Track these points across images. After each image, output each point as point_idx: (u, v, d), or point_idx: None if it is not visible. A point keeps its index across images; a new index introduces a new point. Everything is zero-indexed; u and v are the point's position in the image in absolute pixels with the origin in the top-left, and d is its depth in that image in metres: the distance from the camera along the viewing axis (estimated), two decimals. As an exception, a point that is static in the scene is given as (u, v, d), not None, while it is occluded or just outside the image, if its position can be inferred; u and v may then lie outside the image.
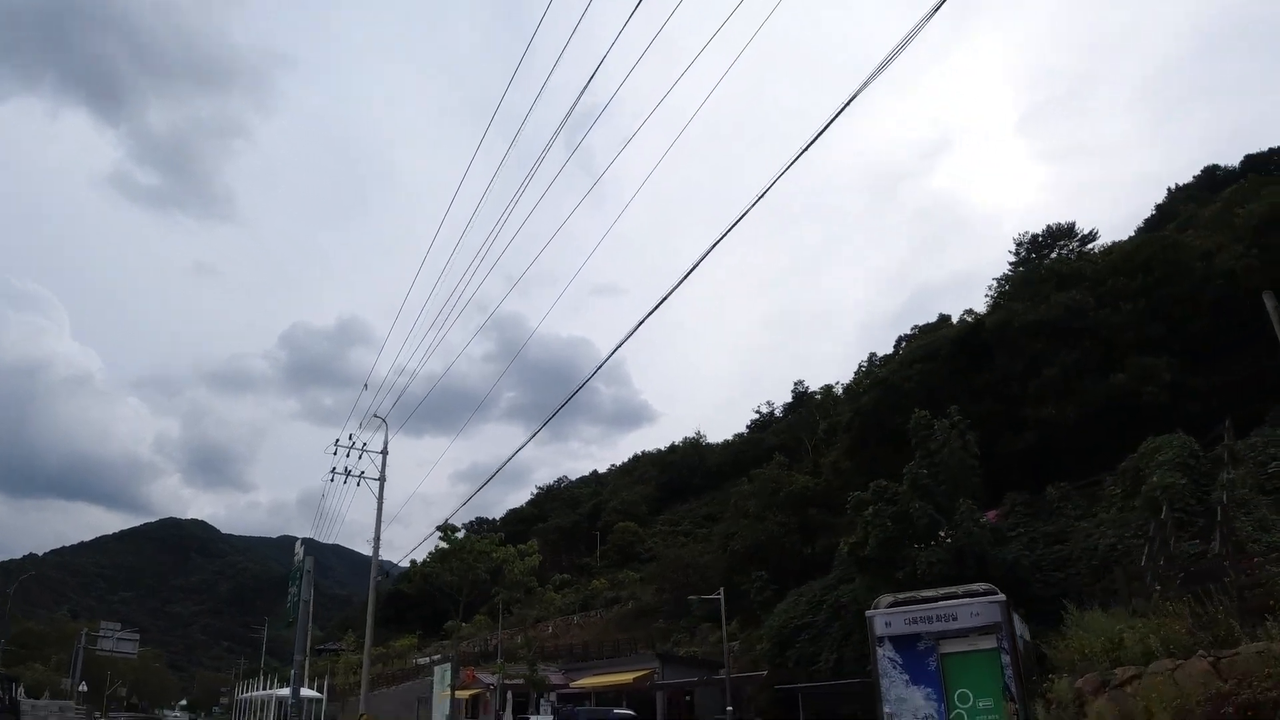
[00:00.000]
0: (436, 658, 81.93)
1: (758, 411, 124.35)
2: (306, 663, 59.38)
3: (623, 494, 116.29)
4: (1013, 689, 18.30)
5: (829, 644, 37.08)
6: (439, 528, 38.57)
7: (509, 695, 44.82)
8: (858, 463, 46.02)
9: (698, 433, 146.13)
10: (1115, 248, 49.41)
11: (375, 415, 40.80)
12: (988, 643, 18.85)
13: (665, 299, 12.67)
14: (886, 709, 19.02)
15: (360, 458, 38.64)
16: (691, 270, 11.63)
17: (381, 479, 38.15)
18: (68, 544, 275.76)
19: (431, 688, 64.50)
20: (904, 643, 19.46)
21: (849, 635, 36.20)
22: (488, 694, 51.88)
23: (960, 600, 19.14)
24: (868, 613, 20.10)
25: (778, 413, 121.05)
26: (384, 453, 38.61)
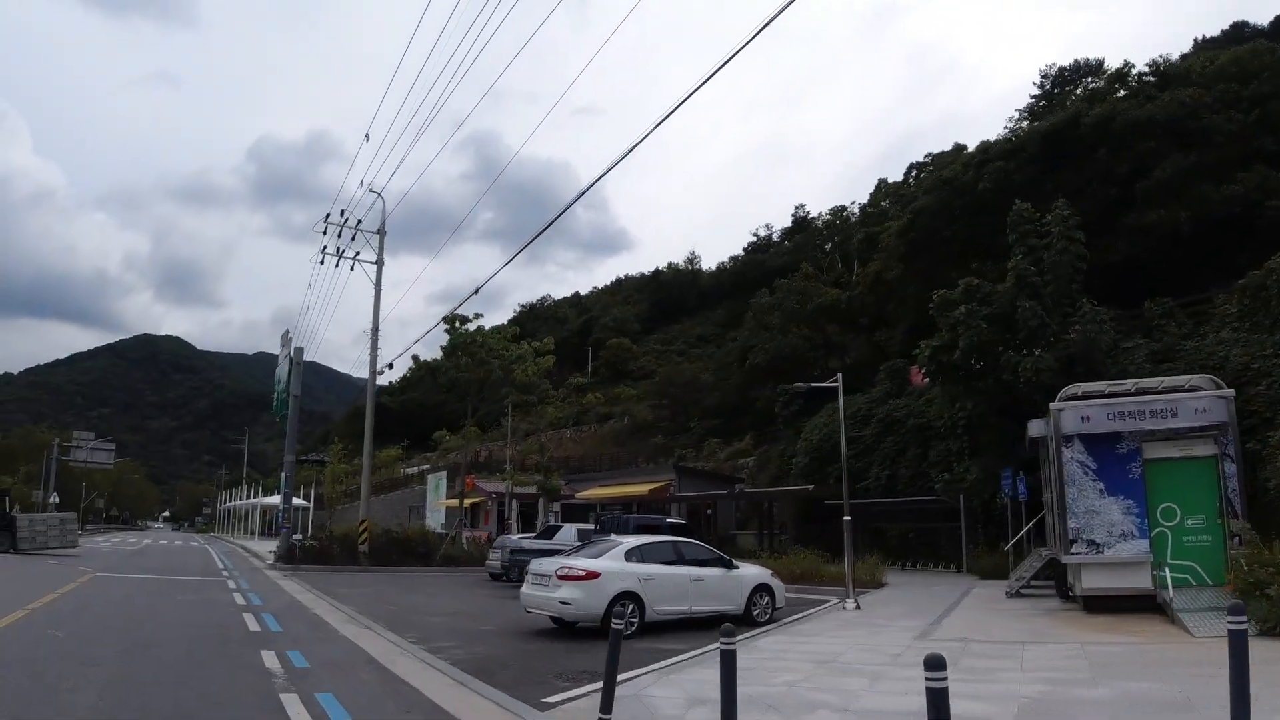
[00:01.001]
0: (425, 468, 79.53)
1: (755, 234, 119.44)
2: (293, 467, 55.84)
3: (613, 311, 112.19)
4: (1236, 504, 14.23)
5: (880, 460, 33.61)
6: (445, 319, 33.85)
7: (514, 505, 41.52)
8: (910, 272, 41.45)
9: (692, 253, 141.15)
10: (1213, 57, 43.48)
11: (370, 189, 35.35)
12: (1204, 448, 14.75)
13: (656, 126, 12.08)
14: (1072, 523, 15.04)
15: (354, 238, 33.47)
16: (684, 100, 11.16)
17: (380, 261, 33.14)
18: (42, 362, 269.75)
19: (424, 497, 62.05)
20: (1100, 444, 15.34)
21: (903, 451, 32.66)
22: (489, 503, 48.84)
23: (1184, 394, 14.81)
24: (1054, 405, 15.86)
25: (775, 236, 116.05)
26: (381, 232, 33.47)
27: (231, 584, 21.94)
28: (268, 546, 40.30)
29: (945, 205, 39.95)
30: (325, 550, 30.44)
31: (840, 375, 19.29)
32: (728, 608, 14.94)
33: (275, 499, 62.65)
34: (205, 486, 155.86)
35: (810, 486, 32.20)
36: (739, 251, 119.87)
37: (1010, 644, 11.68)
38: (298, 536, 36.77)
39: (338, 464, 78.78)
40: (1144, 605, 14.44)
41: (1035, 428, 18.59)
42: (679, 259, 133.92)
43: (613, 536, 15.82)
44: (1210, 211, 32.12)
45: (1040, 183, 36.20)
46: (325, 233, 33.39)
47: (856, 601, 16.66)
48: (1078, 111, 39.25)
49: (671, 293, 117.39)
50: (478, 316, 33.91)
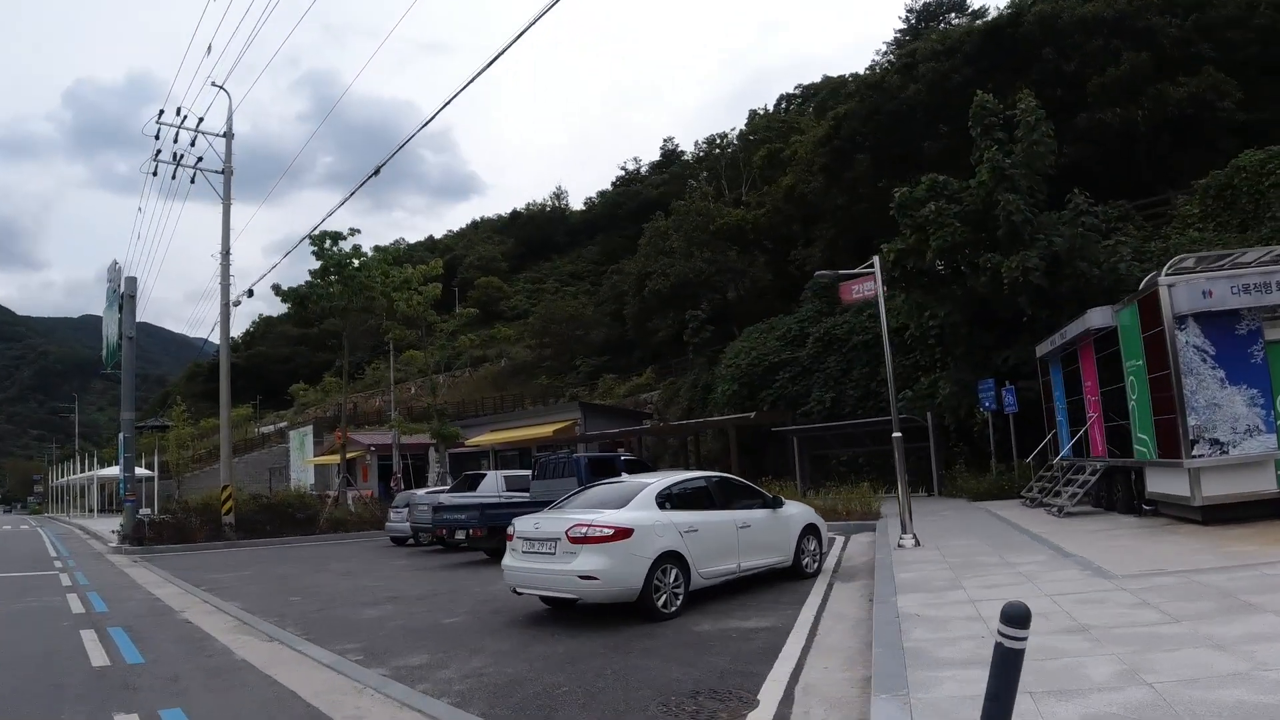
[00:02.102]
0: (283, 425, 72.26)
1: (623, 169, 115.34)
2: (133, 427, 48.73)
3: (478, 249, 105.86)
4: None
5: (822, 381, 30.35)
6: (310, 237, 28.21)
7: (405, 458, 36.38)
8: (834, 184, 38.16)
9: (558, 188, 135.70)
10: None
11: (213, 84, 29.04)
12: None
13: (501, 53, 11.65)
14: (1192, 421, 11.82)
15: (193, 142, 27.28)
16: (526, 29, 10.61)
17: (228, 169, 27.13)
18: None
19: (286, 457, 55.58)
20: (1217, 325, 12.14)
21: (848, 370, 29.49)
22: (367, 457, 43.33)
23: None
24: (1162, 278, 12.41)
25: (644, 171, 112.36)
26: (228, 135, 27.34)
27: (66, 579, 16.43)
28: (110, 525, 33.73)
29: (872, 111, 36.68)
30: (182, 525, 24.79)
31: (876, 259, 15.28)
32: (777, 559, 11.16)
33: (114, 470, 54.91)
34: (37, 463, 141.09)
35: (751, 415, 28.58)
36: (607, 186, 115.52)
37: (1211, 572, 8.13)
38: (146, 511, 30.65)
39: (182, 427, 70.70)
40: (1270, 512, 11.73)
41: (1099, 317, 15.32)
42: (539, 199, 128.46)
43: (603, 484, 11.45)
44: (1165, 112, 30.11)
45: (978, 83, 33.19)
46: (158, 136, 26.99)
47: (915, 536, 12.98)
48: (1020, 7, 36.52)
49: (539, 230, 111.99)
50: (353, 233, 28.39)
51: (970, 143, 25.18)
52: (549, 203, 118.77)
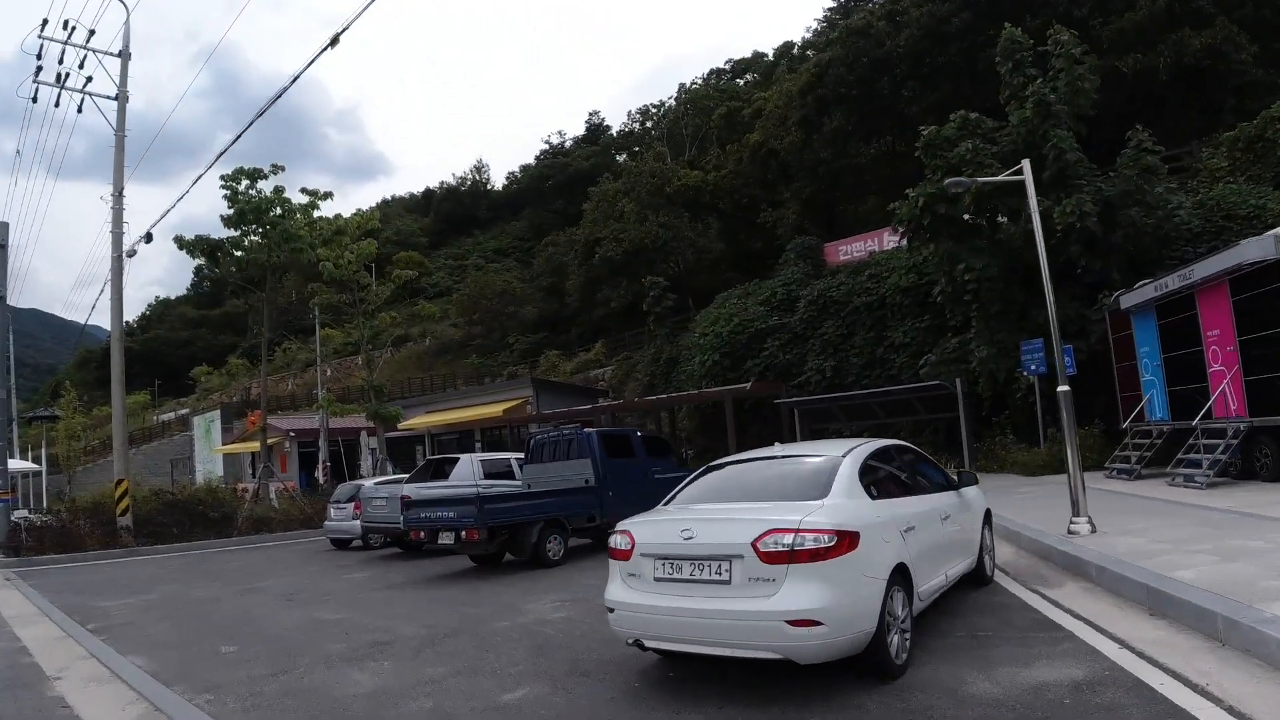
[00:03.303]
0: (184, 412, 65.88)
1: (547, 142, 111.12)
2: (14, 430, 42.76)
3: (395, 223, 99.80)
4: None
5: (818, 349, 26.95)
6: (224, 177, 23.42)
7: (327, 445, 31.70)
8: (815, 138, 34.72)
9: (479, 162, 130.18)
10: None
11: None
12: None
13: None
14: None
15: (81, 62, 22.30)
16: None
17: (122, 94, 22.20)
18: None
19: (190, 446, 49.89)
20: None
21: (849, 336, 26.13)
22: (285, 444, 38.33)
23: None
24: None
25: (568, 145, 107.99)
26: (124, 55, 22.40)
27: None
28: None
29: (857, 57, 33.24)
30: (69, 530, 19.97)
31: (1026, 162, 11.62)
32: (967, 563, 7.62)
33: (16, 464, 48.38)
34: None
35: (748, 385, 24.94)
36: (530, 161, 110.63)
37: None
38: (23, 513, 25.44)
39: (72, 416, 63.73)
40: None
41: (1256, 248, 12.15)
42: (458, 172, 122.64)
43: (739, 460, 7.47)
44: (1182, 62, 27.62)
45: (978, 29, 30.30)
46: (40, 55, 21.86)
47: (1091, 521, 9.48)
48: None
49: (459, 205, 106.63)
50: (276, 170, 23.61)
51: (976, 87, 22.32)
52: (469, 176, 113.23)
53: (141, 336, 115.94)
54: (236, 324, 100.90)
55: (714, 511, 5.80)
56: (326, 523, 18.45)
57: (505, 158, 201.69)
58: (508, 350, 59.93)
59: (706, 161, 46.57)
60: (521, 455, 17.50)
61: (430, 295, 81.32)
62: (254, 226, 23.26)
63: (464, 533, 11.51)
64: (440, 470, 16.89)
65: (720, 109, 49.04)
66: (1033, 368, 20.72)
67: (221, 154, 22.30)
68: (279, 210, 23.47)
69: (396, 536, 15.90)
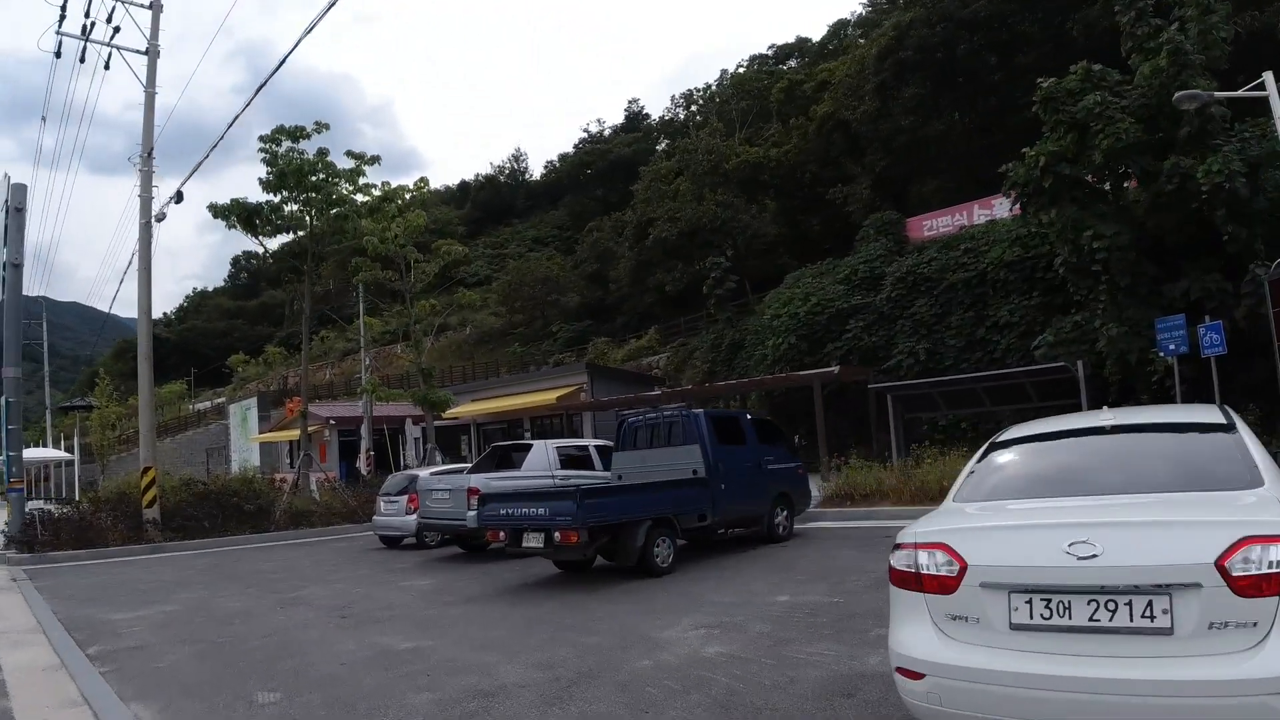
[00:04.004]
0: (221, 401, 64.44)
1: (585, 130, 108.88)
2: (48, 418, 41.61)
3: (433, 211, 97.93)
4: None
5: (907, 330, 24.41)
6: (261, 138, 21.30)
7: (370, 434, 29.60)
8: (892, 107, 32.09)
9: (516, 150, 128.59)
10: None
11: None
12: None
13: None
14: None
15: (110, 15, 20.38)
16: None
17: (152, 50, 20.20)
18: None
19: (226, 436, 48.20)
20: None
21: (944, 316, 23.54)
22: (325, 433, 36.34)
23: None
24: None
25: (607, 133, 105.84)
26: (154, 6, 20.40)
27: None
28: (-4, 519, 26.36)
29: (940, 18, 30.56)
30: (90, 523, 17.97)
31: (1269, 74, 9.09)
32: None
33: (44, 452, 47.18)
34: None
35: (835, 369, 22.42)
36: (568, 149, 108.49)
37: None
38: (38, 504, 23.55)
39: (108, 406, 62.53)
40: None
41: None
42: (496, 161, 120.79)
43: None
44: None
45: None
46: (64, 10, 19.89)
47: None
48: None
49: (497, 194, 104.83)
50: (320, 129, 21.44)
51: (1059, 54, 19.88)
52: (507, 165, 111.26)
53: (178, 328, 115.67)
54: (273, 315, 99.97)
55: (1104, 510, 3.41)
56: (376, 517, 16.25)
57: (543, 147, 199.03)
58: (551, 339, 57.88)
59: (766, 138, 43.94)
60: (598, 442, 15.21)
61: (469, 284, 79.44)
62: (295, 192, 21.10)
63: (558, 534, 9.18)
64: (507, 459, 14.62)
65: (780, 83, 46.28)
66: (1171, 347, 18.11)
67: (236, 117, 20.18)
68: (322, 174, 21.28)
69: (458, 535, 13.66)
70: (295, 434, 36.17)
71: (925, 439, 23.74)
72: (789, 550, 11.77)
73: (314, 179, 21.05)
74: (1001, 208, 27.65)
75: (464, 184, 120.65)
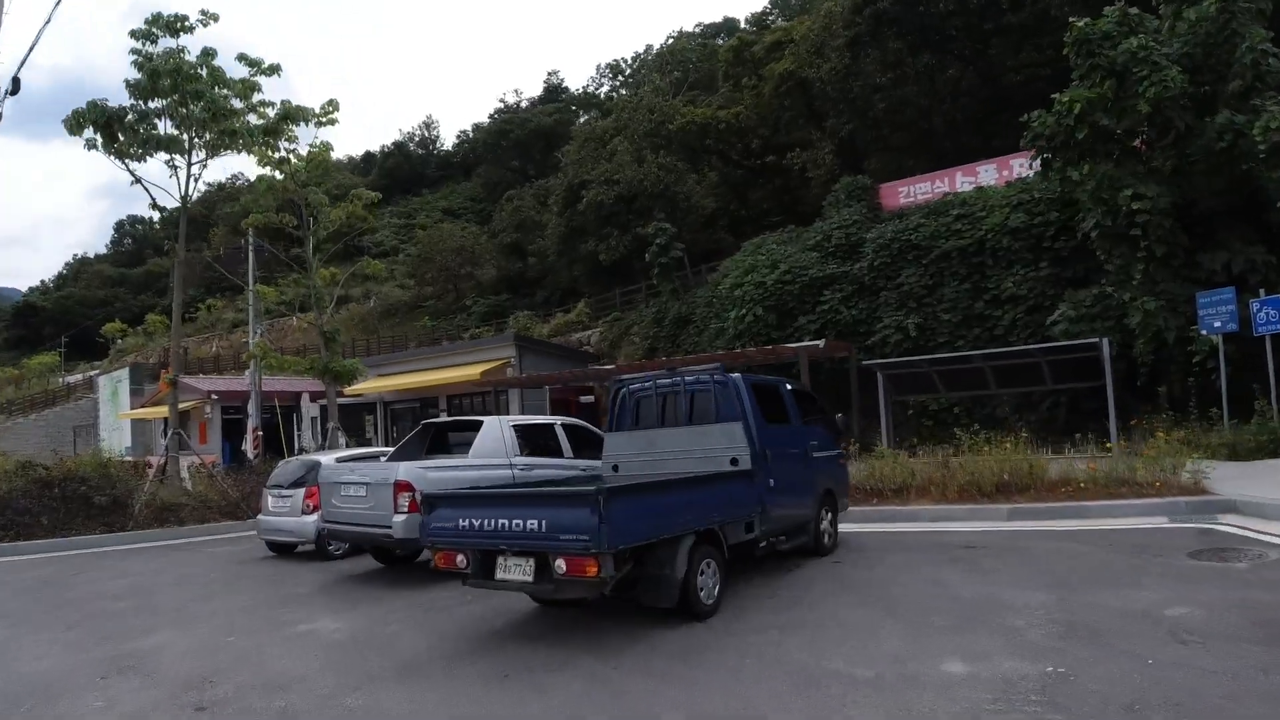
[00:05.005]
0: (94, 373, 57.93)
1: (502, 101, 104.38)
2: None
3: (335, 177, 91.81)
4: None
5: (892, 304, 21.52)
6: (133, 33, 16.87)
7: (259, 411, 25.16)
8: (863, 64, 29.14)
9: (428, 118, 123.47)
10: None
11: None
12: None
13: None
14: None
15: None
16: None
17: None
18: None
19: (96, 412, 42.60)
20: None
21: (934, 288, 20.70)
22: (205, 410, 31.62)
23: None
24: None
25: (524, 105, 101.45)
26: None
27: None
28: None
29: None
30: None
31: None
32: None
33: None
34: None
35: (820, 343, 19.21)
36: (483, 119, 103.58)
37: None
38: None
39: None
40: None
41: None
42: (406, 128, 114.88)
43: None
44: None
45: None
46: None
47: None
48: None
49: (407, 160, 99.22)
50: (208, 20, 17.08)
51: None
52: (418, 133, 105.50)
53: (55, 294, 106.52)
54: (158, 284, 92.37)
55: None
56: (262, 517, 12.31)
57: (456, 118, 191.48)
58: (465, 313, 53.69)
59: (710, 102, 40.62)
60: (566, 420, 11.58)
61: (374, 255, 74.27)
62: (172, 99, 16.72)
63: (561, 561, 5.58)
64: (443, 441, 10.93)
65: (730, 42, 43.00)
66: (1217, 324, 15.67)
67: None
68: (206, 80, 16.94)
69: (378, 546, 9.90)
70: (155, 413, 31.33)
71: (911, 425, 20.96)
72: (852, 569, 8.50)
73: (195, 87, 16.68)
74: (987, 175, 25.09)
75: (369, 154, 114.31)
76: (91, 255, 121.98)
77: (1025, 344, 18.97)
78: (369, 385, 30.72)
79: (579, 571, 5.64)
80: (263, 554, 12.28)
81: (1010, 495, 12.22)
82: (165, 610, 8.24)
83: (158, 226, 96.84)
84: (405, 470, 8.87)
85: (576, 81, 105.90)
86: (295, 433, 26.24)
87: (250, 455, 23.67)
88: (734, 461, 7.91)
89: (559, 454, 10.60)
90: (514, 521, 5.94)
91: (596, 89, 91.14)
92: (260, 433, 24.20)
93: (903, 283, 21.90)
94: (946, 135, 30.71)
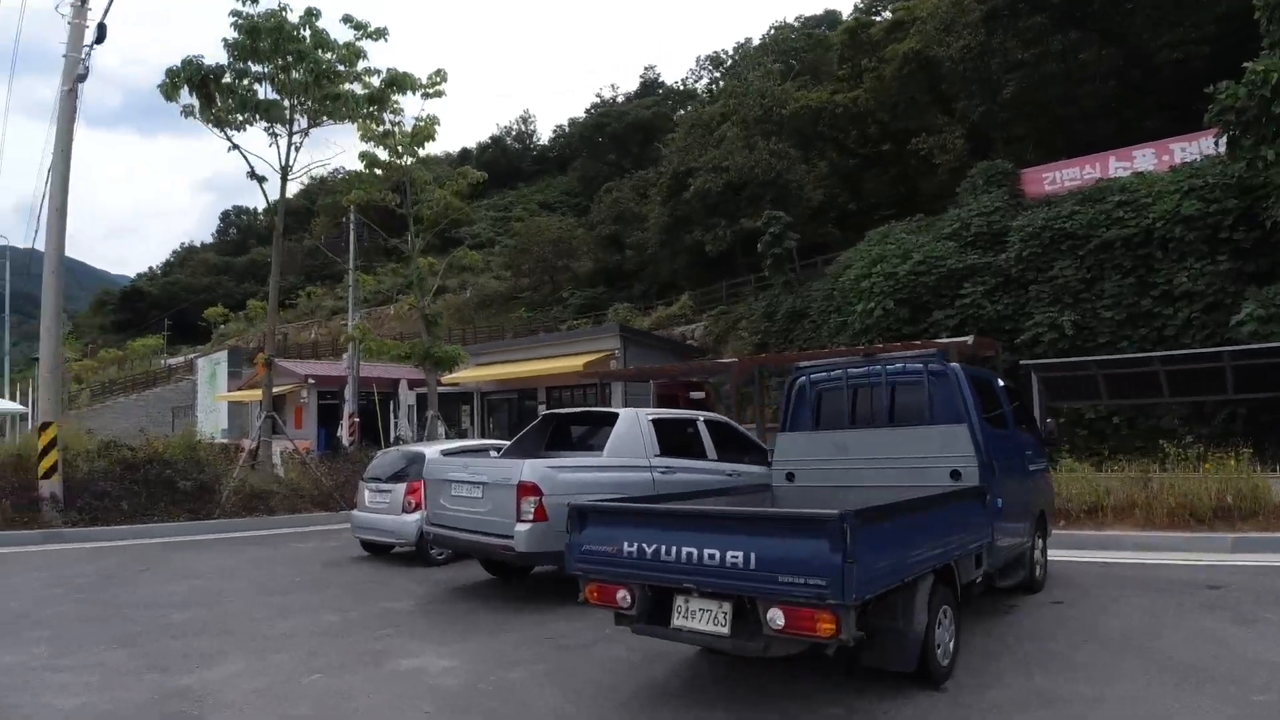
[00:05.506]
0: (194, 355, 58.81)
1: (599, 96, 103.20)
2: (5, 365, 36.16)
3: (435, 169, 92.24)
4: None
5: (1048, 298, 19.32)
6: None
7: (356, 396, 24.22)
8: (998, 41, 26.75)
9: (525, 113, 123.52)
10: None
11: None
12: None
13: None
14: None
15: None
16: None
17: None
18: None
19: (195, 393, 42.78)
20: None
21: (1093, 283, 18.47)
22: (301, 394, 31.00)
23: None
24: None
25: (620, 100, 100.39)
26: None
27: None
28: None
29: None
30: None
31: None
32: None
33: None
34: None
35: (969, 339, 17.10)
36: (579, 114, 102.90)
37: None
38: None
39: (73, 360, 57.13)
40: None
41: None
42: (488, 136, 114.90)
43: None
44: None
45: None
46: None
47: None
48: None
49: (504, 154, 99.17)
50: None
51: None
52: (515, 127, 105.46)
53: (161, 280, 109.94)
54: (260, 272, 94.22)
55: None
56: (357, 512, 10.95)
57: (552, 114, 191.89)
58: (561, 304, 52.63)
59: (825, 87, 38.47)
60: (708, 416, 9.89)
61: (471, 246, 74.03)
62: (271, 63, 15.64)
63: (778, 611, 3.85)
64: (565, 434, 9.32)
65: (846, 23, 40.78)
66: None
67: None
68: (309, 41, 15.81)
69: (485, 556, 8.38)
70: (252, 395, 30.79)
71: (1066, 433, 18.62)
72: (1083, 612, 6.79)
73: (297, 48, 15.56)
74: (1144, 159, 22.53)
75: (465, 151, 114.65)
76: (197, 244, 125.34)
77: (1202, 346, 16.63)
78: (466, 374, 29.64)
79: (804, 628, 3.93)
80: (355, 553, 10.94)
81: (1233, 522, 10.17)
82: (236, 627, 6.82)
83: (261, 218, 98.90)
84: (531, 470, 7.27)
85: (673, 76, 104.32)
86: (392, 420, 25.24)
87: (346, 442, 22.71)
88: (954, 475, 6.12)
89: (701, 455, 8.92)
90: (706, 551, 4.25)
91: (695, 81, 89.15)
92: (357, 419, 23.26)
93: (1056, 275, 19.60)
94: (1080, 120, 28.12)
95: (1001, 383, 7.55)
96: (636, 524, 4.69)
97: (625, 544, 4.60)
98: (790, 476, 6.96)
